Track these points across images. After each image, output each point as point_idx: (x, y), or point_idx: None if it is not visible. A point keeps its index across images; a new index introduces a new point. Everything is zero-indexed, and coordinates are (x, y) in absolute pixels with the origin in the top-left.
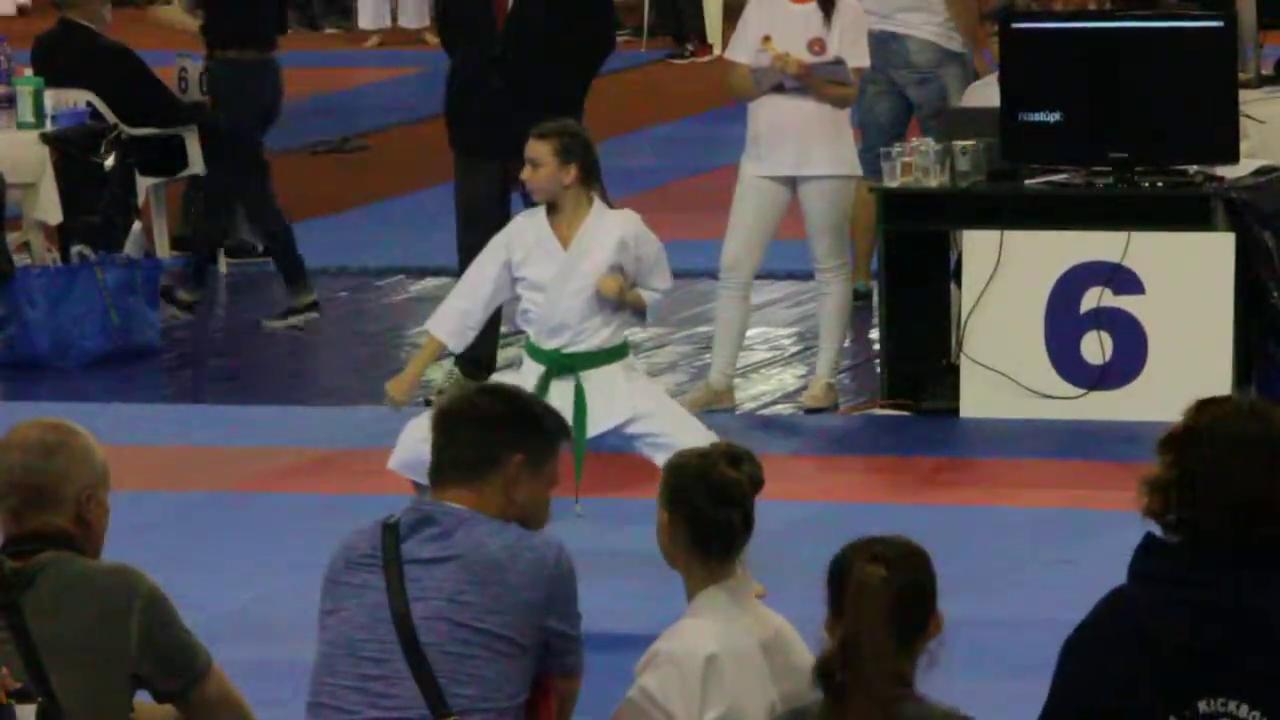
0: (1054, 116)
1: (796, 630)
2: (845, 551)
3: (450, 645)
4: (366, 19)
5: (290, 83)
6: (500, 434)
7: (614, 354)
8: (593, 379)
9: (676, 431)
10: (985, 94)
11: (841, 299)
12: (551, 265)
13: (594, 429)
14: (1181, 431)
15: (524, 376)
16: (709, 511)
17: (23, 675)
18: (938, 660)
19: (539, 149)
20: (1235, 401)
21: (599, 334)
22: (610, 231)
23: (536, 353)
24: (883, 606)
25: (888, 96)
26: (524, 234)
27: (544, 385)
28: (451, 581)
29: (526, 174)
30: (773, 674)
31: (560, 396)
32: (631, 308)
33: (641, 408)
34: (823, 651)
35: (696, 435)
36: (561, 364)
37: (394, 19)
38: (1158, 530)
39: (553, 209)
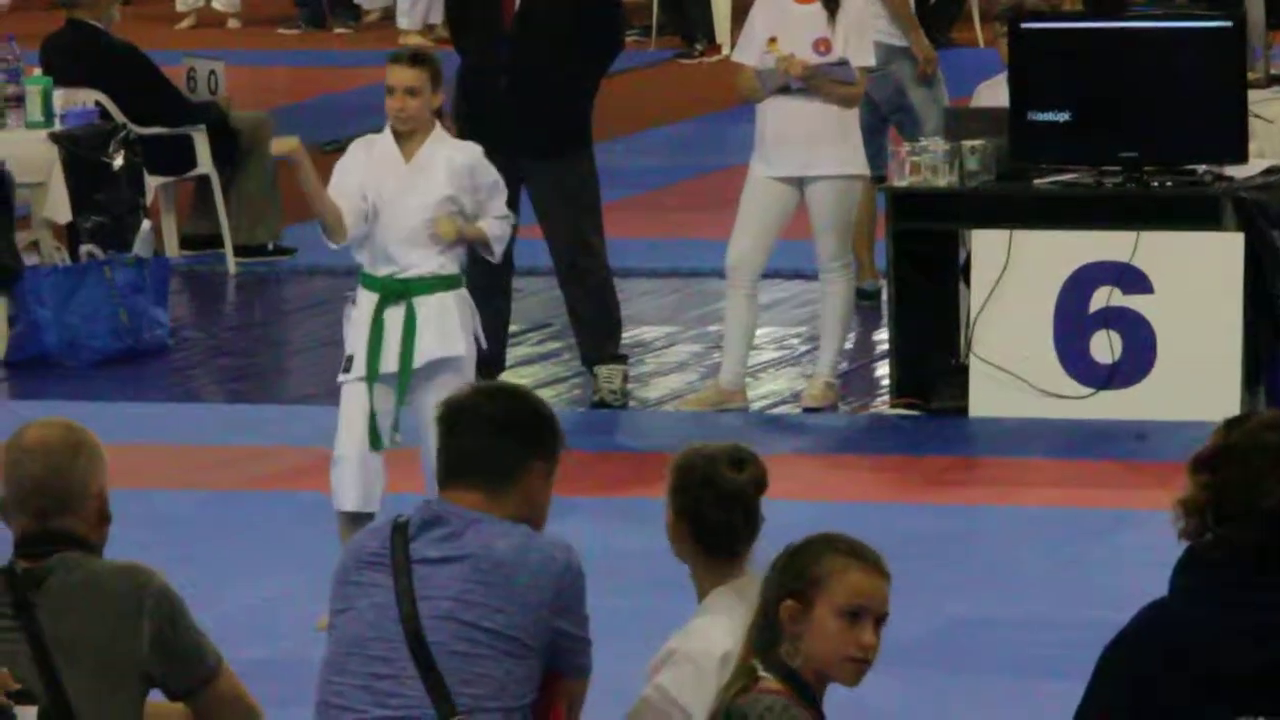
0: (1063, 116)
1: None
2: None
3: (457, 645)
4: (413, 19)
5: (292, 82)
6: (521, 441)
7: (449, 282)
8: (427, 305)
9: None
10: (994, 94)
11: (844, 299)
12: (394, 182)
13: (421, 358)
14: (1212, 451)
15: (359, 310)
16: (711, 513)
17: (34, 675)
18: (801, 650)
19: (412, 75)
20: (1261, 416)
21: (434, 259)
22: (450, 155)
23: (370, 280)
24: None
25: None
26: (370, 149)
27: (378, 315)
28: (459, 581)
29: (397, 102)
30: None
31: (392, 324)
32: (472, 241)
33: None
34: None
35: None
36: (394, 290)
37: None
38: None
39: (400, 137)
